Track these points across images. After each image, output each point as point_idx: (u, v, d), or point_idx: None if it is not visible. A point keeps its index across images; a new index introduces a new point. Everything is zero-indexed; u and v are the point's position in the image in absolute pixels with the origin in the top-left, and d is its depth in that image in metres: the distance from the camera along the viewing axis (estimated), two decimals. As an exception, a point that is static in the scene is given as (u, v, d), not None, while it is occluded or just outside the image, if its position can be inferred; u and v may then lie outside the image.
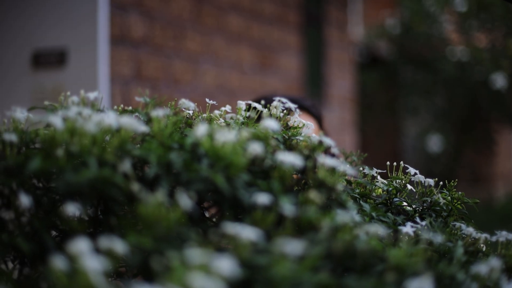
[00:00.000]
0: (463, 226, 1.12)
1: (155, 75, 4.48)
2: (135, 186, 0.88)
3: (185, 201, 0.85)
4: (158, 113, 1.01)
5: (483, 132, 8.10)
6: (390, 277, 0.80)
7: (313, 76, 6.59)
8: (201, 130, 0.94)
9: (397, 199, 1.22)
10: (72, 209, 0.86)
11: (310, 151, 1.00)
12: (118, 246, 0.79)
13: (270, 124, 0.99)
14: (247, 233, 0.81)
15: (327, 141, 1.07)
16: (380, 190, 1.24)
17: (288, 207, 0.88)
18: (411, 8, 8.26)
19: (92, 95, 1.08)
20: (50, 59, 4.10)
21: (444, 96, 8.39)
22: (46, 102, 1.13)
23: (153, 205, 0.84)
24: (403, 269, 0.81)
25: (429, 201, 1.22)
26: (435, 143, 8.43)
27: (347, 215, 0.86)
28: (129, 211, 0.92)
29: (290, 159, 0.94)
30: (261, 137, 0.98)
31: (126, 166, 0.92)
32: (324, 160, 0.96)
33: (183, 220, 0.84)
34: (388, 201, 1.21)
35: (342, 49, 7.17)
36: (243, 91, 5.44)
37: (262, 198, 0.88)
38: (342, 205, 0.95)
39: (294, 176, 1.09)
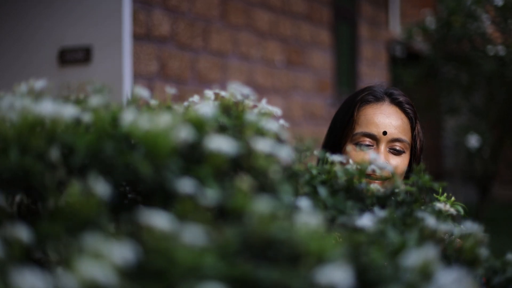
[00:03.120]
0: (426, 216, 1.08)
1: (181, 72, 4.48)
2: (52, 176, 0.87)
3: (102, 188, 0.83)
4: (97, 101, 1.00)
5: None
6: (304, 265, 0.77)
7: (345, 73, 6.53)
8: (128, 116, 0.92)
9: (363, 184, 1.19)
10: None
11: (249, 137, 0.97)
12: (23, 235, 0.77)
13: (205, 109, 0.96)
14: (157, 220, 0.78)
15: (272, 126, 1.04)
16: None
17: (209, 194, 0.85)
18: (450, 4, 8.13)
19: (38, 84, 1.07)
20: (76, 56, 4.14)
21: (483, 92, 8.25)
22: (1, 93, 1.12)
23: (70, 193, 0.82)
24: (320, 258, 0.78)
25: (390, 188, 1.18)
26: (476, 140, 8.30)
27: (271, 202, 0.83)
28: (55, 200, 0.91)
29: (220, 144, 0.91)
30: (195, 122, 0.96)
31: (53, 154, 0.91)
32: (258, 145, 0.93)
33: (100, 208, 0.82)
34: (349, 188, 1.17)
35: (376, 45, 7.10)
36: (272, 87, 5.41)
37: (184, 185, 0.86)
38: (275, 191, 0.93)
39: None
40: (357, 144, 1.79)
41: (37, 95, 1.06)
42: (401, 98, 1.86)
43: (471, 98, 8.40)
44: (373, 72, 6.95)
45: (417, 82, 9.14)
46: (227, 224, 0.85)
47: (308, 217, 0.87)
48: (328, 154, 1.18)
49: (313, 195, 1.15)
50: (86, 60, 4.11)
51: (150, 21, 4.20)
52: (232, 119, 1.08)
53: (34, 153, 0.89)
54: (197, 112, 0.96)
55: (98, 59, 4.08)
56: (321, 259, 0.78)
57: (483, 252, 1.03)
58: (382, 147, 1.77)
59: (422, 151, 1.88)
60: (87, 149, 0.92)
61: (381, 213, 1.10)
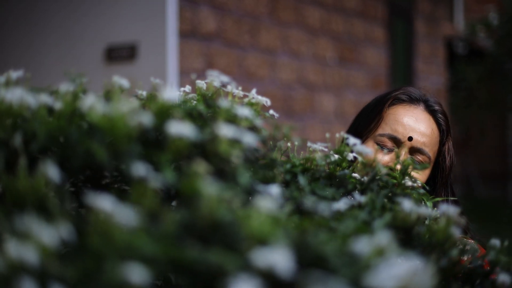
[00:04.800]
0: (405, 200, 1.04)
1: (228, 69, 4.49)
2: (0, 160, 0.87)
3: (52, 172, 0.83)
4: (67, 88, 1.00)
5: None
6: (245, 249, 0.75)
7: (401, 70, 6.44)
8: (88, 101, 0.92)
9: (346, 171, 1.17)
10: None
11: (213, 123, 0.96)
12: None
13: (170, 95, 0.95)
14: (100, 203, 0.78)
15: (245, 113, 1.02)
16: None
17: (166, 178, 0.84)
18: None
19: (15, 74, 1.08)
20: (122, 54, 4.19)
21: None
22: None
23: (18, 177, 0.83)
24: (262, 241, 0.76)
25: (372, 172, 1.15)
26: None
27: (220, 185, 0.81)
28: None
29: (181, 129, 0.90)
30: (160, 108, 0.95)
31: (16, 140, 0.91)
32: (221, 131, 0.92)
33: (47, 191, 0.82)
34: (331, 175, 1.15)
35: (434, 42, 6.97)
36: (324, 84, 5.37)
37: (137, 170, 0.85)
38: (234, 177, 0.91)
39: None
40: (379, 144, 1.68)
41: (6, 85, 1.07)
42: (437, 107, 1.74)
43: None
44: (430, 69, 6.83)
45: (480, 79, 8.96)
46: (179, 207, 0.84)
47: (265, 202, 0.86)
48: (298, 140, 1.16)
49: (294, 182, 1.14)
50: (132, 57, 4.15)
51: (196, 19, 4.22)
52: (212, 107, 1.07)
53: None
54: (166, 100, 0.95)
55: (144, 56, 4.12)
56: (262, 243, 0.76)
57: (456, 232, 0.99)
58: (403, 152, 1.66)
59: (451, 171, 1.76)
60: (47, 135, 0.92)
61: (361, 197, 1.08)
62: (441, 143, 1.73)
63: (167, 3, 4.04)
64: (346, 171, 1.17)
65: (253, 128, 1.05)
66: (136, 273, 0.66)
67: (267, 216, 0.78)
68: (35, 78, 1.12)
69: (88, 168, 0.93)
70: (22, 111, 0.95)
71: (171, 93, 0.95)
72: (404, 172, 1.19)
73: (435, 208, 1.75)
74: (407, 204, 1.02)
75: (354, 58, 5.72)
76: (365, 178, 1.15)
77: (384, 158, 1.67)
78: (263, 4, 4.77)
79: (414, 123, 1.68)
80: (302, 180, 1.07)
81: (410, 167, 1.67)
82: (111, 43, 4.21)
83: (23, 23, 4.47)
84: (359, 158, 1.16)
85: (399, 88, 1.78)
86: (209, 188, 0.80)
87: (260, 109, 1.27)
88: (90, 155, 0.90)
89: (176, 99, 0.94)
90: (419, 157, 1.67)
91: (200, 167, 0.88)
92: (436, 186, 1.73)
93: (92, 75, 4.22)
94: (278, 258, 0.72)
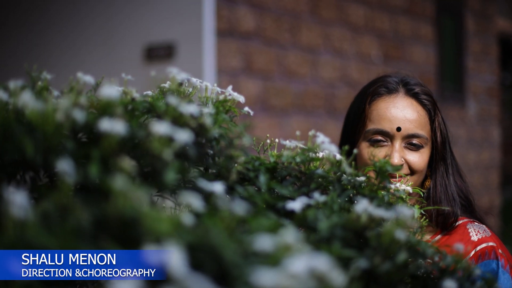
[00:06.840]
0: (364, 200, 1.03)
1: (268, 67, 4.49)
2: None
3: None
4: (16, 84, 1.02)
5: None
6: (143, 245, 0.76)
7: (450, 68, 6.33)
8: (23, 98, 0.94)
9: (320, 170, 1.16)
10: None
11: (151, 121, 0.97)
12: None
13: (110, 92, 0.97)
14: (13, 198, 0.80)
15: (191, 110, 1.03)
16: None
17: (81, 175, 0.86)
18: None
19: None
20: (160, 53, 4.23)
21: None
22: None
23: None
24: (158, 238, 0.77)
25: (338, 172, 1.15)
26: None
27: (129, 182, 0.82)
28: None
29: (111, 126, 0.91)
30: (102, 105, 0.96)
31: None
32: (154, 128, 0.93)
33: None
34: (299, 173, 1.15)
35: (486, 39, 6.84)
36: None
37: (61, 165, 0.87)
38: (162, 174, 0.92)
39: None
40: (370, 141, 1.67)
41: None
42: (417, 89, 1.72)
43: None
44: (481, 67, 6.70)
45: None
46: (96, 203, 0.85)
47: (191, 199, 0.87)
48: (246, 139, 1.16)
49: (257, 180, 1.14)
50: (170, 56, 4.20)
51: (233, 17, 4.24)
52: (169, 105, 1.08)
53: None
54: (105, 96, 0.96)
55: (182, 55, 4.16)
56: (158, 241, 0.77)
57: (401, 235, 0.98)
58: (397, 144, 1.65)
59: (446, 143, 1.75)
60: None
61: (320, 197, 1.07)
62: (431, 121, 1.72)
63: (204, 2, 4.07)
64: (319, 170, 1.17)
65: (201, 125, 1.06)
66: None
67: (170, 215, 0.78)
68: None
69: (24, 163, 0.95)
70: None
71: (109, 90, 0.96)
72: (380, 173, 1.18)
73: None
74: (359, 206, 1.01)
75: (400, 55, 5.65)
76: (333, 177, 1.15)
77: (380, 154, 1.66)
78: (304, 2, 4.76)
79: (398, 113, 1.68)
80: (262, 178, 1.08)
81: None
82: (149, 42, 4.26)
83: (66, 25, 4.57)
84: (338, 157, 1.15)
85: (378, 79, 1.78)
86: (120, 185, 0.82)
87: (235, 106, 1.27)
88: (19, 150, 0.92)
89: (115, 96, 0.96)
90: (416, 141, 1.66)
91: (125, 163, 0.89)
92: (433, 163, 1.73)
93: (132, 74, 4.30)
94: (169, 256, 0.73)
